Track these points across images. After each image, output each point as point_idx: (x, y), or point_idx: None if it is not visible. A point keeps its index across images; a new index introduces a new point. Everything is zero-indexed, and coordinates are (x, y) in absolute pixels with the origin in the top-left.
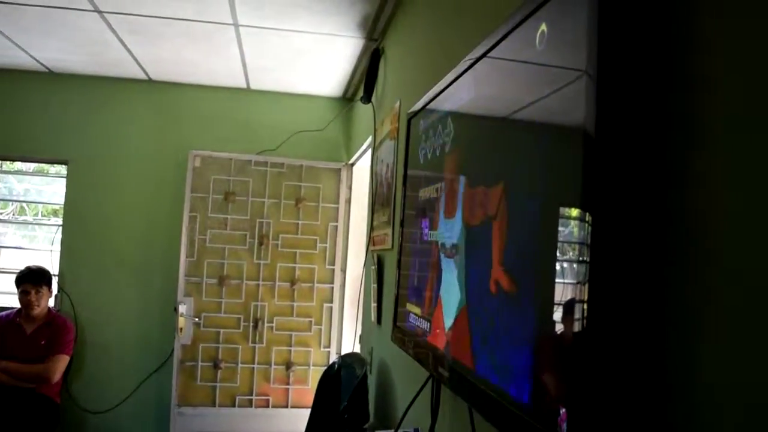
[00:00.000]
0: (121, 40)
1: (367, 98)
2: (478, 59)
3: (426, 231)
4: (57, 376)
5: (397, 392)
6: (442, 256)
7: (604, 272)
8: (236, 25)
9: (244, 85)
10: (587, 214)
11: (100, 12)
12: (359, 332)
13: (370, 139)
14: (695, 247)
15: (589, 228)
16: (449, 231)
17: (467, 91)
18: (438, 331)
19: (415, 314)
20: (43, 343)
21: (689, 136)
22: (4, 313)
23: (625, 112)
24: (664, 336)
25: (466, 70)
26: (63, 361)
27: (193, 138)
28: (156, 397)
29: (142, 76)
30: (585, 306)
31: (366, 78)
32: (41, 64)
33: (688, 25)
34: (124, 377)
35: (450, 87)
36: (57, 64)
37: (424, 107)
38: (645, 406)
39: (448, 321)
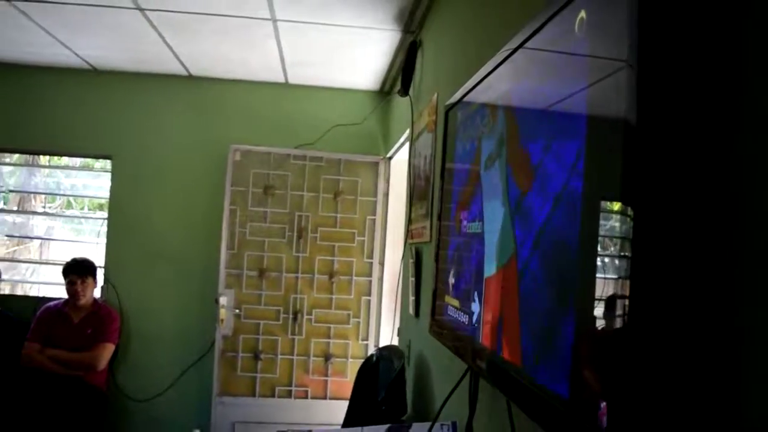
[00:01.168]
0: (161, 37)
1: (404, 91)
2: (515, 49)
3: (465, 223)
4: (103, 364)
5: (435, 385)
6: (481, 176)
7: (647, 266)
8: (274, 20)
9: (282, 80)
10: (629, 208)
11: (141, 9)
12: (397, 325)
13: (407, 132)
14: (751, 243)
15: (631, 224)
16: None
17: (505, 81)
18: (476, 323)
19: (454, 307)
20: (89, 332)
21: (744, 126)
22: (52, 303)
23: (670, 103)
24: (715, 333)
25: (503, 61)
26: (108, 350)
27: (232, 132)
28: (198, 386)
29: (182, 72)
30: (628, 299)
31: (403, 71)
32: (85, 61)
33: (742, 9)
34: (167, 366)
35: (488, 78)
36: (100, 61)
37: (461, 99)
38: (690, 402)
39: (486, 313)
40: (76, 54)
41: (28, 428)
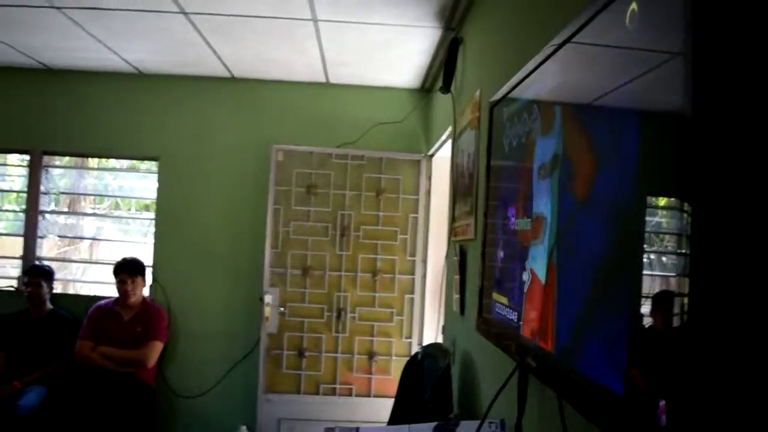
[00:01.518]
0: (205, 40)
1: (446, 88)
2: (562, 43)
3: (513, 220)
4: (152, 361)
5: (482, 383)
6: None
7: (707, 262)
8: (315, 20)
9: (324, 80)
10: (684, 204)
11: (185, 13)
12: (441, 323)
13: (449, 129)
14: None
15: (689, 219)
16: (544, 148)
17: (553, 76)
18: (525, 320)
19: (502, 304)
20: (139, 330)
21: None
22: (103, 301)
23: (730, 95)
24: None
25: (550, 56)
26: (158, 348)
27: (275, 132)
28: (244, 383)
29: (225, 73)
30: (688, 295)
31: (445, 68)
32: (131, 65)
33: None
34: (214, 364)
35: (534, 73)
36: (146, 65)
37: (506, 95)
38: (756, 402)
39: (536, 310)
40: (122, 58)
41: (81, 422)
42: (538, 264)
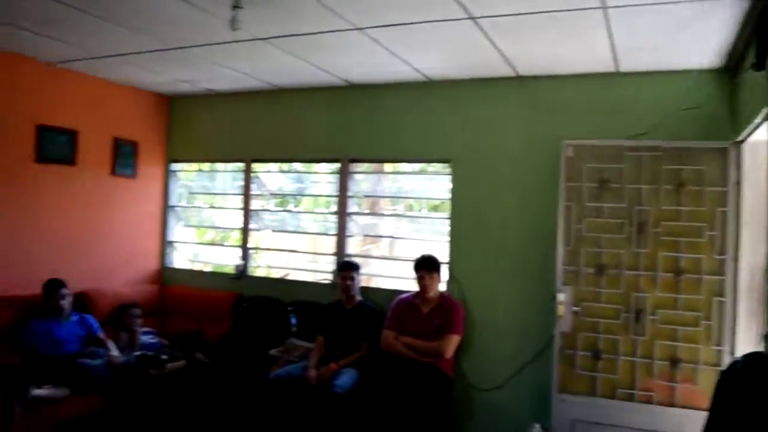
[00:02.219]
0: (491, 41)
1: (759, 65)
2: None
3: None
4: (449, 352)
5: None
6: None
7: None
8: (604, 8)
9: (612, 69)
10: None
11: (473, 18)
12: (762, 330)
13: (764, 111)
14: None
15: None
16: None
17: None
18: None
19: None
20: (437, 322)
21: None
22: (405, 295)
23: None
24: None
25: None
26: (455, 340)
27: (563, 128)
28: (536, 380)
29: (510, 73)
30: None
31: (757, 42)
32: (421, 73)
33: None
34: (507, 358)
35: None
36: (434, 72)
37: None
38: None
39: None
40: (413, 68)
41: (388, 405)
42: None
